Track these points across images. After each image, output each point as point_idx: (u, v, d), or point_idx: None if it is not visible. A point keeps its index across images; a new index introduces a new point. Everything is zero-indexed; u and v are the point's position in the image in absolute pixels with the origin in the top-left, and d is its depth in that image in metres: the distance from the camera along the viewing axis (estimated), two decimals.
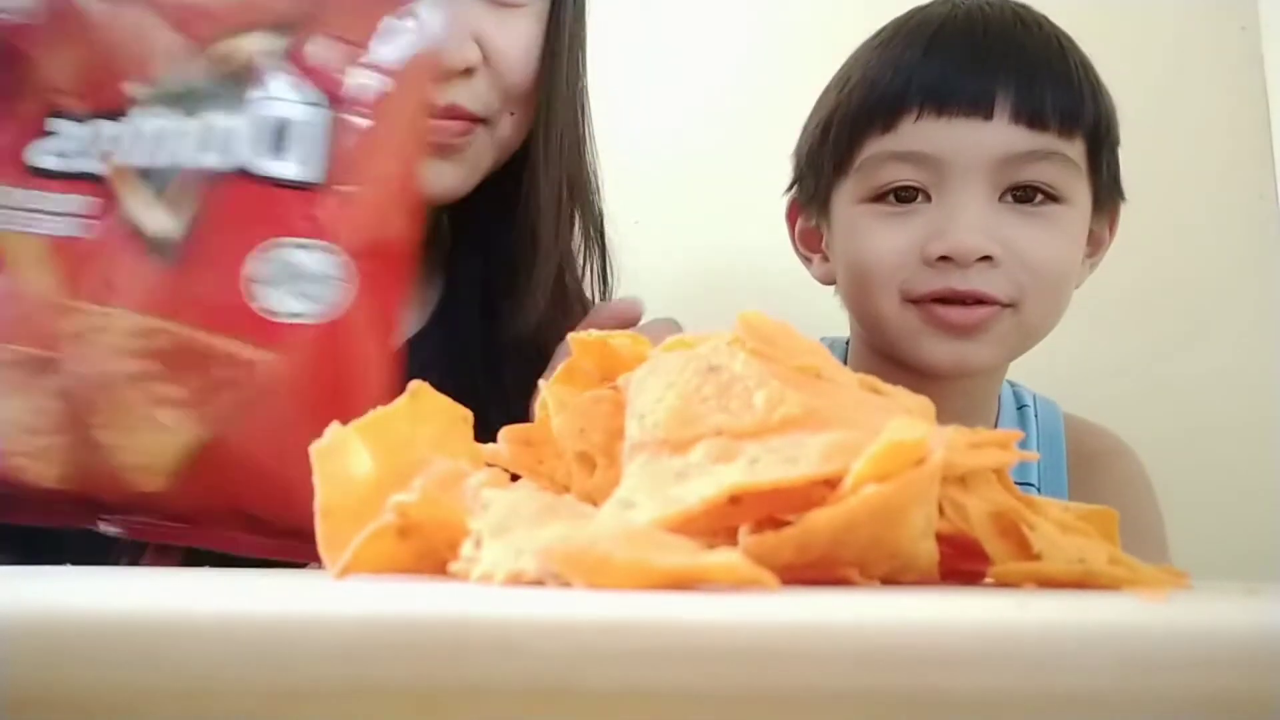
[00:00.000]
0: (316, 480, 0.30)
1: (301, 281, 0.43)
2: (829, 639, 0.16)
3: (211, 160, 0.45)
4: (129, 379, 0.43)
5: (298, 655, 0.16)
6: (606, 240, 0.76)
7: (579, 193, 0.74)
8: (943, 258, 0.67)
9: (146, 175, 0.46)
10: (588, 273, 0.76)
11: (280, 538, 0.45)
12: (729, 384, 0.29)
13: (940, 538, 0.28)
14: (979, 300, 0.68)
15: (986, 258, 0.67)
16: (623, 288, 0.77)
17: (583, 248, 0.75)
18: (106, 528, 0.47)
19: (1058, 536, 0.28)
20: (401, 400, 0.32)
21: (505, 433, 0.36)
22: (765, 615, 0.18)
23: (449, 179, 0.67)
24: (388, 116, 0.47)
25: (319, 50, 0.47)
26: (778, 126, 0.81)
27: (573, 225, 0.74)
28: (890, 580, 0.28)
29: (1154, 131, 1.06)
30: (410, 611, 0.18)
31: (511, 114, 0.68)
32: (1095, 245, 0.76)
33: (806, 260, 0.80)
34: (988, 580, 0.29)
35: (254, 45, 0.47)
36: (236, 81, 0.47)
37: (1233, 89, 1.12)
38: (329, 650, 0.16)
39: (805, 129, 0.78)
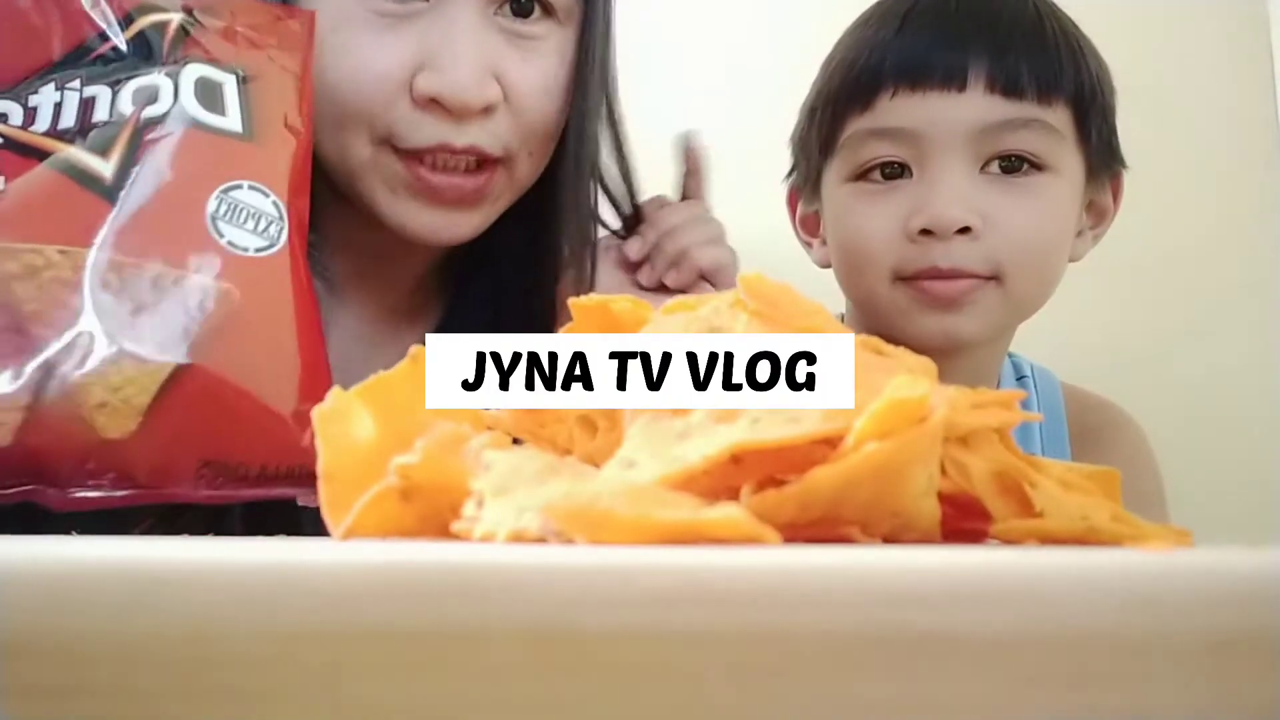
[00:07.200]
0: (318, 444, 0.30)
1: (252, 220, 0.49)
2: (829, 578, 0.16)
3: (152, 111, 0.50)
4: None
5: (295, 599, 0.16)
6: None
7: (596, 218, 0.73)
8: (924, 231, 0.68)
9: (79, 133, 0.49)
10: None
11: (248, 485, 0.46)
12: None
13: (942, 497, 0.28)
14: (959, 274, 0.69)
15: (965, 229, 0.68)
16: None
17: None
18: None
19: (1060, 494, 0.28)
20: (403, 364, 0.32)
21: None
22: (768, 558, 0.18)
23: (466, 227, 0.66)
24: (280, 77, 0.54)
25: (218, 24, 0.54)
26: (788, 105, 0.81)
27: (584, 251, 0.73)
28: (892, 539, 0.28)
29: (1159, 108, 1.06)
30: (407, 555, 0.18)
31: (530, 154, 0.66)
32: (1098, 216, 0.76)
33: (807, 245, 0.81)
34: (990, 540, 0.29)
35: (166, 18, 0.53)
36: (153, 50, 0.52)
37: (1239, 59, 1.12)
38: (326, 593, 0.16)
39: (799, 114, 0.79)
